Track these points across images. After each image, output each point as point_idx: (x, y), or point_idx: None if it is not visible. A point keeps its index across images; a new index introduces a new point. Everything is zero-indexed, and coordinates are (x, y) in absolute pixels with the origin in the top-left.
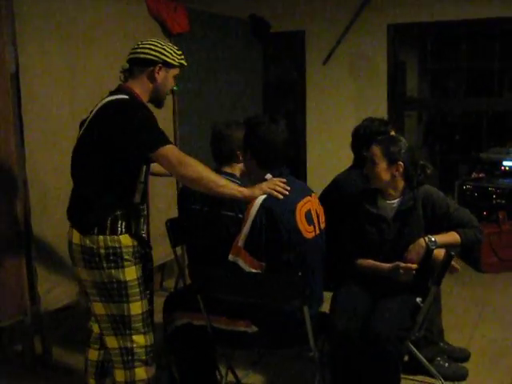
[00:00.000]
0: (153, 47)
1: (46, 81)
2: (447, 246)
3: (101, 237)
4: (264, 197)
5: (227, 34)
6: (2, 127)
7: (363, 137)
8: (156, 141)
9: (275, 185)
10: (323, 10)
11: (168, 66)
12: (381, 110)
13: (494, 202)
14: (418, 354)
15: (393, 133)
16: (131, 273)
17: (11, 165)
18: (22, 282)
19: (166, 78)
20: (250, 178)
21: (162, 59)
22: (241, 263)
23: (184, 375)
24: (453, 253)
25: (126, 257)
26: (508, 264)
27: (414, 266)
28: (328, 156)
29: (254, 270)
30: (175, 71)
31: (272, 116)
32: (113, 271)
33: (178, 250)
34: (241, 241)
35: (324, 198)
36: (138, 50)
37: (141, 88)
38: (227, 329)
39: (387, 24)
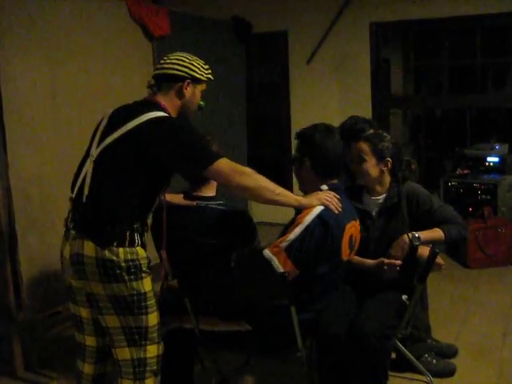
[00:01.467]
0: (181, 62)
1: (28, 89)
2: (431, 243)
3: (121, 249)
4: (322, 208)
5: (209, 36)
6: None
7: (348, 135)
8: (208, 158)
9: (332, 198)
10: (305, 9)
11: (196, 81)
12: (365, 108)
13: (479, 197)
14: (405, 351)
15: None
16: (149, 284)
17: None
18: (7, 289)
19: (193, 94)
20: (305, 189)
21: (191, 75)
22: (275, 263)
23: (166, 379)
24: (437, 250)
25: (144, 268)
26: (494, 259)
27: (398, 262)
28: None
29: (283, 269)
30: (203, 86)
31: (328, 126)
32: (134, 283)
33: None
34: (285, 242)
35: None
36: (166, 66)
37: (170, 104)
38: (218, 330)
39: (369, 22)
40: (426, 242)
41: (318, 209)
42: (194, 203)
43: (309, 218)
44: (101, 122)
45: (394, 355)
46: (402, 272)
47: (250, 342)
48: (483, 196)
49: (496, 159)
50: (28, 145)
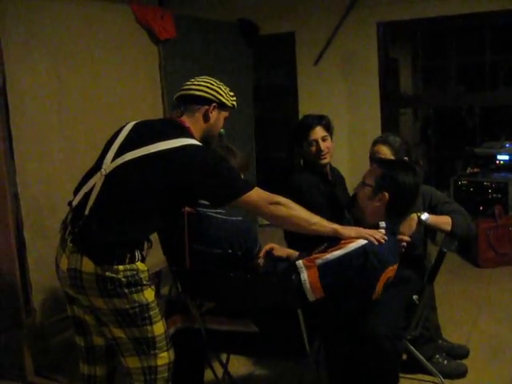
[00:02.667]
0: (209, 85)
1: (34, 93)
2: (439, 228)
3: (121, 267)
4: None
5: (216, 39)
6: None
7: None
8: (239, 189)
9: (374, 234)
10: (312, 10)
11: (222, 106)
12: (374, 109)
13: (490, 196)
14: (415, 352)
15: None
16: (150, 294)
17: (1, 178)
18: (16, 294)
19: (218, 119)
20: (360, 216)
21: (218, 99)
22: (303, 276)
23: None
24: (445, 249)
25: (144, 282)
26: (505, 258)
27: (406, 238)
28: None
29: (310, 289)
30: (226, 113)
31: (415, 162)
32: (135, 296)
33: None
34: (321, 260)
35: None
36: (193, 87)
37: (194, 127)
38: (225, 330)
39: (376, 22)
40: (433, 225)
41: (365, 240)
42: (194, 210)
43: (353, 245)
44: (118, 133)
45: (404, 356)
46: (410, 248)
47: (258, 345)
48: (494, 195)
49: (506, 157)
50: (35, 151)
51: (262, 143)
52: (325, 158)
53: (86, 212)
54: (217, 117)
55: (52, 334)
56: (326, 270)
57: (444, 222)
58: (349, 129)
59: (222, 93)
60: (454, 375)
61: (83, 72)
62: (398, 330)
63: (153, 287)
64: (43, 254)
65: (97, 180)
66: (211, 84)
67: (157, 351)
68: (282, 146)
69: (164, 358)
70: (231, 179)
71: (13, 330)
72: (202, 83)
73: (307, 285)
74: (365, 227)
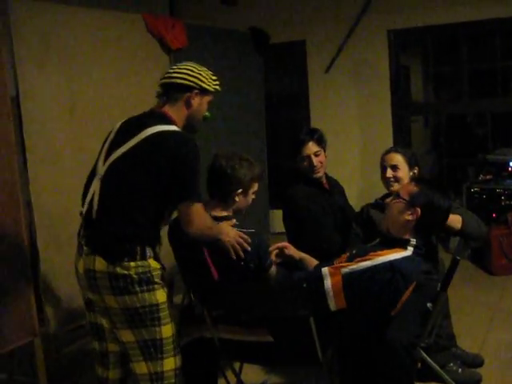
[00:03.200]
0: (190, 72)
1: (46, 103)
2: (449, 226)
3: (132, 263)
4: (399, 256)
5: (227, 47)
6: (4, 151)
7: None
8: (195, 195)
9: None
10: (323, 18)
11: (204, 92)
12: (385, 116)
13: (503, 203)
14: (429, 360)
15: None
16: (162, 295)
17: (15, 187)
18: (29, 303)
19: (200, 104)
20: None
21: (199, 85)
22: (327, 283)
23: None
24: (458, 257)
25: (156, 280)
26: None
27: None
28: (333, 164)
29: (333, 298)
30: (209, 97)
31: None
32: (146, 295)
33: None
34: (347, 269)
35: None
36: (174, 75)
37: (177, 114)
38: (239, 339)
39: (387, 30)
40: None
41: (395, 255)
42: None
43: (381, 259)
44: (108, 136)
45: (418, 364)
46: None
47: (271, 353)
48: (507, 202)
49: None
50: (48, 160)
51: (273, 151)
52: (318, 173)
53: (94, 216)
54: (199, 102)
55: (65, 343)
56: (350, 279)
57: (454, 219)
58: (360, 136)
59: (203, 78)
60: None
61: (95, 81)
62: (413, 338)
63: (165, 288)
64: (56, 262)
65: (95, 185)
66: (192, 70)
67: (164, 355)
68: (294, 154)
69: (170, 363)
70: (196, 182)
71: (27, 338)
72: (184, 70)
73: (330, 293)
74: (390, 240)
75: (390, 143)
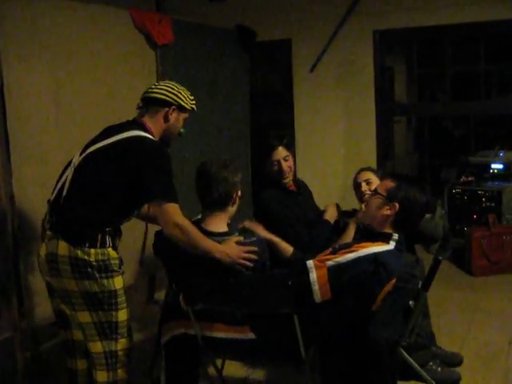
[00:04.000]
0: (170, 89)
1: (32, 96)
2: None
3: (92, 250)
4: (384, 249)
5: (213, 45)
6: None
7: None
8: (165, 194)
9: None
10: (309, 17)
11: (181, 109)
12: (369, 116)
13: (484, 205)
14: (409, 359)
15: None
16: (119, 282)
17: None
18: (10, 297)
19: (177, 120)
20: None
21: (178, 102)
22: (313, 276)
23: None
24: (440, 257)
25: (114, 268)
26: (499, 267)
27: None
28: (318, 163)
29: (318, 290)
30: (186, 115)
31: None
32: (104, 281)
33: None
34: (332, 261)
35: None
36: (155, 90)
37: (154, 126)
38: (222, 337)
39: (373, 30)
40: None
41: (378, 248)
42: None
43: (365, 250)
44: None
45: None
46: None
47: (254, 350)
48: (487, 203)
49: (500, 166)
50: (32, 154)
51: (257, 149)
52: (287, 177)
53: (61, 201)
54: (176, 118)
55: (45, 338)
56: (336, 271)
57: None
58: (344, 136)
59: (181, 97)
60: (447, 382)
61: (81, 76)
62: (396, 336)
63: (123, 275)
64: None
65: (68, 174)
66: (172, 88)
67: (118, 336)
68: None
69: (124, 343)
70: (167, 182)
71: (7, 332)
72: (164, 87)
73: (316, 286)
74: (371, 233)
75: (373, 143)
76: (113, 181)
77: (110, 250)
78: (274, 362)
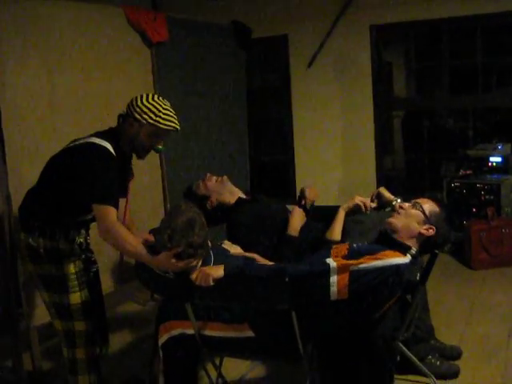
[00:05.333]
0: (133, 100)
1: (26, 96)
2: None
3: (41, 239)
4: (403, 262)
5: (209, 41)
6: None
7: None
8: (100, 197)
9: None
10: (305, 13)
11: (138, 122)
12: (367, 111)
13: (483, 198)
14: (408, 353)
15: None
16: (69, 268)
17: None
18: (9, 298)
19: (138, 135)
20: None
21: (133, 114)
22: (333, 278)
23: None
24: (437, 251)
25: (64, 256)
26: (498, 260)
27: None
28: (316, 159)
29: (336, 290)
30: (150, 131)
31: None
32: (53, 267)
33: None
34: (356, 267)
35: None
36: (134, 104)
37: (124, 137)
38: (221, 336)
39: (370, 25)
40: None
41: (400, 260)
42: None
43: (389, 261)
44: None
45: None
46: None
47: (252, 347)
48: (486, 196)
49: (499, 159)
50: (27, 154)
51: (255, 146)
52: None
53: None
54: (146, 136)
55: (43, 338)
56: (358, 276)
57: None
58: (342, 131)
59: (150, 114)
60: (446, 376)
61: (76, 74)
62: (393, 331)
63: (78, 262)
64: None
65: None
66: (147, 108)
67: (73, 317)
68: (276, 149)
69: (80, 325)
70: (104, 186)
71: (6, 333)
72: (140, 104)
73: (335, 287)
74: (391, 241)
75: (371, 138)
76: (58, 183)
77: (61, 242)
78: (272, 358)
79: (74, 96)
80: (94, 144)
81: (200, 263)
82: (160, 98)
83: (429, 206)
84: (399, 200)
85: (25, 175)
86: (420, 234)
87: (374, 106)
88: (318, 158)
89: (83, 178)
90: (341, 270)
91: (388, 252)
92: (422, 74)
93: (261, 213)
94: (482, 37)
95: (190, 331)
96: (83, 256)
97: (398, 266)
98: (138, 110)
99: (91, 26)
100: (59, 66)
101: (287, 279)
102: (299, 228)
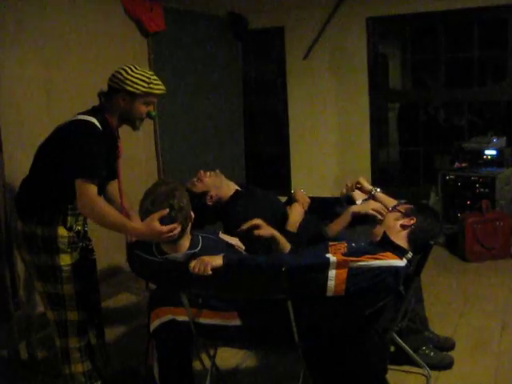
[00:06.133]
0: (118, 75)
1: (23, 85)
2: (383, 203)
3: (38, 227)
4: (401, 265)
5: (205, 32)
6: None
7: None
8: (80, 171)
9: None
10: (301, 5)
11: (131, 94)
12: (363, 104)
13: (477, 191)
14: (402, 343)
15: None
16: (66, 259)
17: None
18: (5, 287)
19: (132, 106)
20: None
21: (124, 88)
22: (332, 273)
23: (164, 372)
24: (432, 242)
25: (61, 246)
26: (492, 252)
27: None
28: (311, 151)
29: (333, 286)
30: (144, 99)
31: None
32: (49, 257)
33: None
34: (355, 264)
35: None
36: (115, 79)
37: (110, 111)
38: (209, 323)
39: (366, 17)
40: (379, 199)
41: (399, 262)
42: None
43: (389, 262)
44: None
45: (391, 348)
46: None
47: (240, 336)
48: (481, 189)
49: (494, 152)
50: (23, 143)
51: (251, 137)
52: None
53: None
54: (130, 103)
55: (40, 326)
56: (357, 274)
57: (392, 201)
58: (337, 123)
59: (128, 82)
60: (440, 367)
61: (72, 63)
62: (385, 322)
63: (75, 253)
64: None
65: None
66: (120, 74)
67: (66, 307)
68: (271, 140)
69: (73, 315)
70: (83, 162)
71: (1, 322)
72: (114, 73)
73: (332, 281)
74: (388, 242)
75: (367, 130)
76: (48, 162)
77: (59, 228)
78: (267, 347)
79: (69, 85)
80: (78, 120)
81: (179, 229)
82: (140, 67)
83: (404, 206)
84: (378, 189)
85: (20, 165)
86: (402, 226)
87: (370, 98)
88: (314, 149)
89: (68, 152)
90: (340, 264)
91: (389, 253)
92: (417, 67)
93: (257, 205)
94: (478, 30)
95: (180, 318)
96: (81, 244)
97: (396, 269)
98: (128, 82)
99: (87, 15)
100: (55, 56)
101: (284, 269)
102: (298, 224)
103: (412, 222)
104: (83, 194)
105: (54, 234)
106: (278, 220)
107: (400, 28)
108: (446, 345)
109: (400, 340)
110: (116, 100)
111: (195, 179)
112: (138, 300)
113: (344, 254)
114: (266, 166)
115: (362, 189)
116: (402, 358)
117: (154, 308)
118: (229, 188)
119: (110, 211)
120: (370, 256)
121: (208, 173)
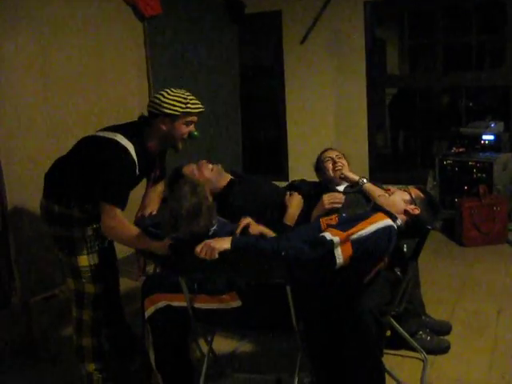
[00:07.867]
0: (155, 100)
1: (19, 72)
2: (371, 195)
3: (56, 205)
4: (393, 224)
5: (202, 16)
6: None
7: None
8: (110, 197)
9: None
10: None
11: (170, 117)
12: (360, 88)
13: (475, 176)
14: (399, 328)
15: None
16: (79, 234)
17: None
18: (2, 272)
19: (172, 128)
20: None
21: (163, 111)
22: (337, 252)
23: (160, 358)
24: (429, 227)
25: (74, 223)
26: (489, 237)
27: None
28: (309, 135)
29: (342, 260)
30: (184, 119)
31: None
32: (64, 230)
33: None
34: (356, 235)
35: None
36: (153, 104)
37: (151, 136)
38: (206, 308)
39: (364, 1)
40: (367, 190)
41: (391, 222)
42: None
43: (385, 222)
44: None
45: (388, 332)
46: None
47: (237, 320)
48: (478, 174)
49: (491, 137)
50: (20, 128)
51: (247, 122)
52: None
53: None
54: (171, 125)
55: (36, 313)
56: (359, 243)
57: (380, 191)
58: (335, 107)
59: (166, 105)
60: (436, 351)
61: (68, 48)
62: (382, 306)
63: (90, 227)
64: (26, 231)
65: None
66: (157, 98)
67: (83, 280)
68: (268, 125)
69: (89, 287)
70: (115, 188)
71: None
72: (164, 99)
73: (341, 259)
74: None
75: (364, 115)
76: (78, 165)
77: (74, 210)
78: (265, 331)
79: (66, 70)
80: (117, 143)
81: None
82: (176, 89)
83: (415, 191)
84: (365, 180)
85: (17, 151)
86: (406, 211)
87: (367, 83)
88: (311, 133)
89: (98, 174)
90: (343, 242)
91: (379, 214)
92: (415, 52)
93: (251, 194)
94: (476, 15)
95: (176, 303)
96: (95, 226)
97: (389, 227)
98: (165, 105)
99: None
100: (51, 41)
101: (283, 253)
102: (296, 216)
103: (416, 211)
104: (109, 216)
105: (69, 213)
106: (277, 207)
107: (398, 13)
108: (443, 329)
109: (397, 324)
110: (156, 124)
111: (195, 167)
112: (135, 285)
113: (337, 224)
114: (263, 151)
115: (347, 180)
116: (399, 342)
117: (148, 295)
118: (224, 179)
119: (129, 234)
120: (364, 222)
121: (210, 166)
